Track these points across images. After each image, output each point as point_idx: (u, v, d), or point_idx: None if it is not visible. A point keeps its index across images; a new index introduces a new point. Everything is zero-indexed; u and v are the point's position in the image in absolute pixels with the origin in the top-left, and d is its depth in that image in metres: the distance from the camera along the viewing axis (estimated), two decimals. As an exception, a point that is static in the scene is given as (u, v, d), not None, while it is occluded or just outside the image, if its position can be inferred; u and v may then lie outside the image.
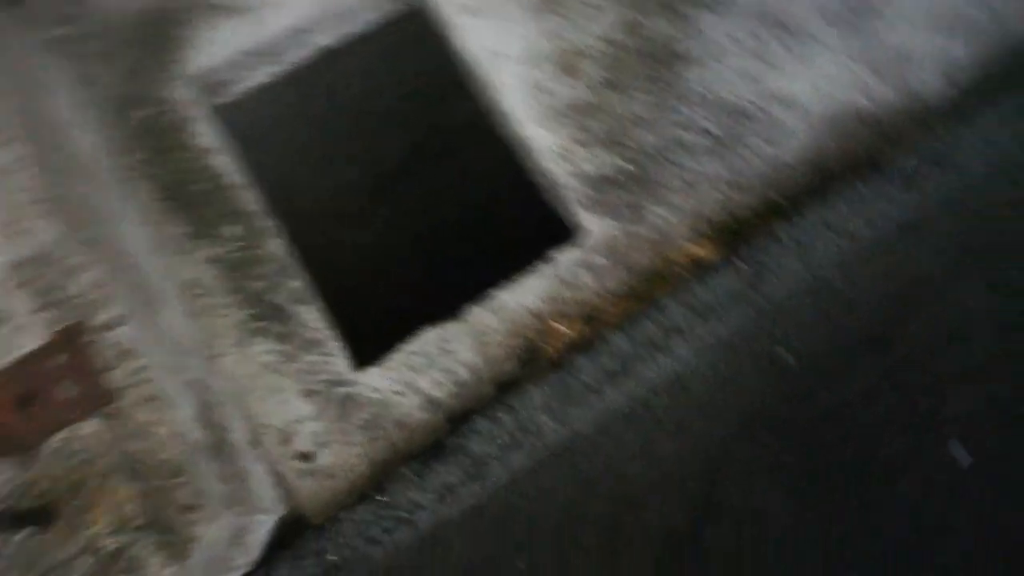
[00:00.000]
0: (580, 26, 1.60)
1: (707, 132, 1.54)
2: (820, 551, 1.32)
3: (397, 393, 1.40)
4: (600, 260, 1.48)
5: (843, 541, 1.32)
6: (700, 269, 1.41)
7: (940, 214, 1.44)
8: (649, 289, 1.43)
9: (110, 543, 1.05)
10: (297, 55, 1.66)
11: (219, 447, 1.22)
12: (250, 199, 1.47)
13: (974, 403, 1.38)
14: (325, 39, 1.68)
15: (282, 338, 1.43)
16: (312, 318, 1.43)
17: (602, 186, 1.52)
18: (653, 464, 1.35)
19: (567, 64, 1.58)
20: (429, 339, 1.44)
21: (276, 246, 1.46)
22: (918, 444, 1.35)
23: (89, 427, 1.10)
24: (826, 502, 1.34)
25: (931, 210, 1.44)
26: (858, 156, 1.50)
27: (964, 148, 1.43)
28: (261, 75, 1.66)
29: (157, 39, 1.54)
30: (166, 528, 1.07)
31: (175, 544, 1.06)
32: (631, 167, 1.53)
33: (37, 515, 1.01)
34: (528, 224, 1.65)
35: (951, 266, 1.44)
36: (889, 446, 1.35)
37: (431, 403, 1.40)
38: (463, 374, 1.42)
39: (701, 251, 1.45)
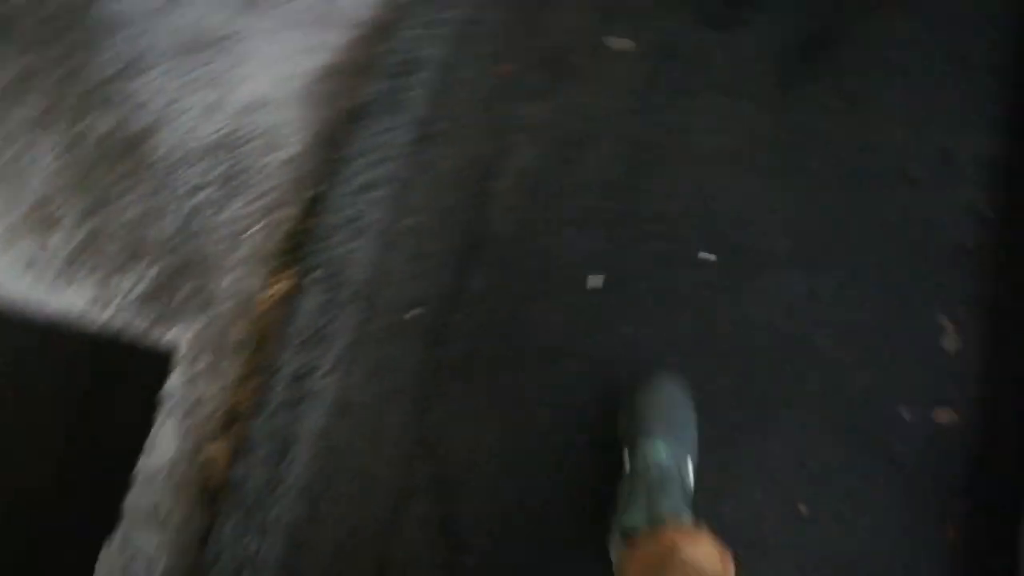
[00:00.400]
0: (23, 179, 1.45)
1: (212, 183, 1.46)
2: (525, 443, 1.32)
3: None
4: (203, 363, 1.38)
5: (533, 417, 1.34)
6: (291, 302, 1.34)
7: (433, 116, 1.45)
8: (263, 355, 1.35)
9: None
10: None
11: None
12: None
13: (586, 240, 1.42)
14: None
15: None
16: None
17: (158, 298, 1.41)
18: (365, 488, 1.29)
19: (40, 222, 1.43)
20: (111, 556, 1.29)
21: None
22: (561, 289, 1.37)
23: None
24: (516, 409, 1.34)
25: (428, 116, 1.44)
26: (350, 108, 1.47)
27: (423, 45, 1.43)
28: None
29: None
30: None
31: None
32: (170, 261, 1.42)
33: None
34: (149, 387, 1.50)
35: (482, 154, 1.46)
36: (540, 323, 1.37)
37: (147, 616, 1.25)
38: (161, 564, 1.28)
39: (282, 287, 1.37)
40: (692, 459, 1.22)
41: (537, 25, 1.53)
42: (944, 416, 1.32)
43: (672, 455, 1.17)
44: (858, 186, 1.45)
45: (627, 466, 1.21)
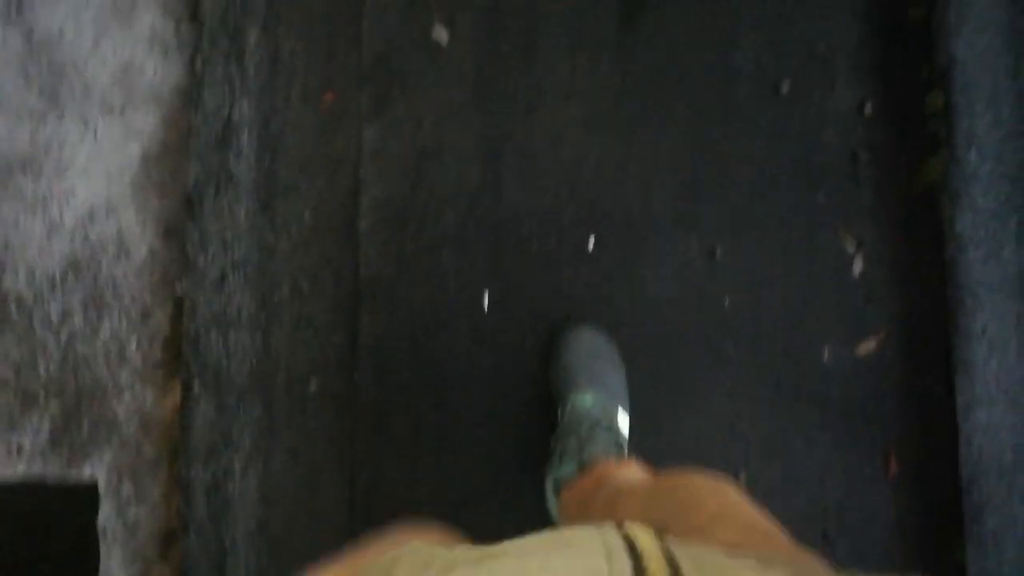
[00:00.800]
0: None
1: (78, 306, 1.41)
2: (462, 480, 1.30)
3: None
4: (127, 489, 1.38)
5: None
6: (185, 412, 1.31)
7: (270, 176, 1.36)
8: (176, 471, 1.34)
9: None
10: None
11: None
12: None
13: (467, 258, 1.34)
14: None
15: None
16: None
17: (66, 436, 1.39)
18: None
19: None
20: None
21: None
22: (456, 316, 1.32)
23: None
24: (443, 449, 1.31)
25: (264, 178, 1.35)
26: (185, 193, 1.39)
27: (234, 102, 1.33)
28: None
29: None
30: None
31: None
32: (65, 397, 1.40)
33: None
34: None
35: (334, 198, 1.38)
36: (443, 356, 1.33)
37: None
38: None
39: (174, 397, 1.34)
40: (623, 408, 1.20)
41: (344, 40, 1.40)
42: (865, 348, 1.26)
43: (600, 405, 1.16)
44: (728, 115, 1.34)
45: (559, 421, 1.19)
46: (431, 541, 0.51)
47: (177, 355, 1.37)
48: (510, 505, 1.29)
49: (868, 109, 1.30)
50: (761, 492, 1.26)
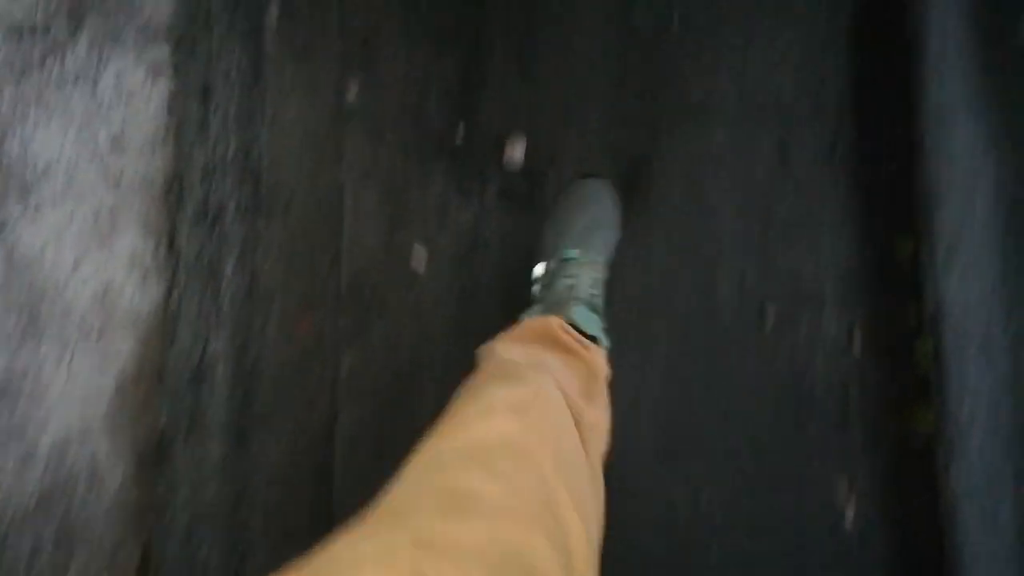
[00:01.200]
0: None
1: (47, 542, 1.37)
2: None
3: None
4: None
5: None
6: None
7: (244, 413, 1.33)
8: None
9: None
10: None
11: None
12: None
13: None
14: None
15: None
16: None
17: None
18: None
19: None
20: None
21: None
22: None
23: None
24: None
25: (237, 416, 1.32)
26: (158, 429, 1.36)
27: (208, 337, 1.31)
28: None
29: None
30: None
31: None
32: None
33: None
34: None
35: (309, 430, 1.34)
36: None
37: None
38: None
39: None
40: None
41: (322, 265, 1.38)
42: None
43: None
44: (712, 343, 1.30)
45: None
46: None
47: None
48: None
49: (857, 345, 1.26)
50: None
